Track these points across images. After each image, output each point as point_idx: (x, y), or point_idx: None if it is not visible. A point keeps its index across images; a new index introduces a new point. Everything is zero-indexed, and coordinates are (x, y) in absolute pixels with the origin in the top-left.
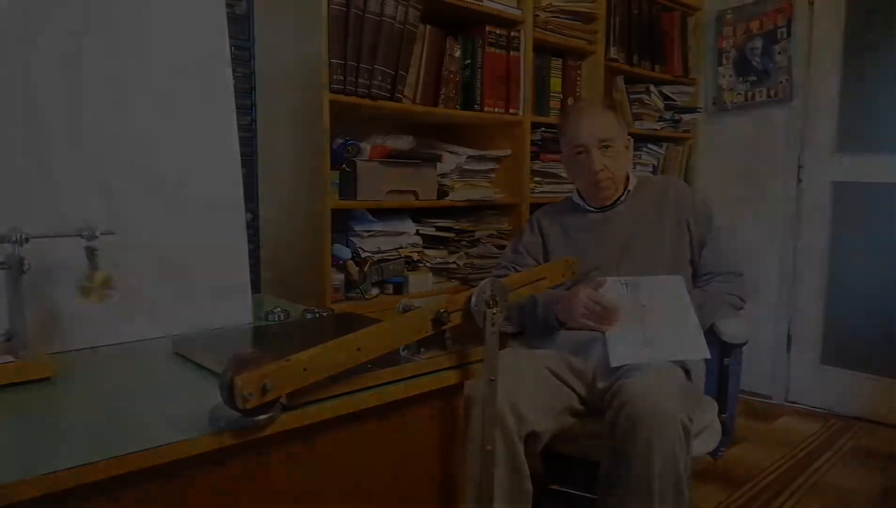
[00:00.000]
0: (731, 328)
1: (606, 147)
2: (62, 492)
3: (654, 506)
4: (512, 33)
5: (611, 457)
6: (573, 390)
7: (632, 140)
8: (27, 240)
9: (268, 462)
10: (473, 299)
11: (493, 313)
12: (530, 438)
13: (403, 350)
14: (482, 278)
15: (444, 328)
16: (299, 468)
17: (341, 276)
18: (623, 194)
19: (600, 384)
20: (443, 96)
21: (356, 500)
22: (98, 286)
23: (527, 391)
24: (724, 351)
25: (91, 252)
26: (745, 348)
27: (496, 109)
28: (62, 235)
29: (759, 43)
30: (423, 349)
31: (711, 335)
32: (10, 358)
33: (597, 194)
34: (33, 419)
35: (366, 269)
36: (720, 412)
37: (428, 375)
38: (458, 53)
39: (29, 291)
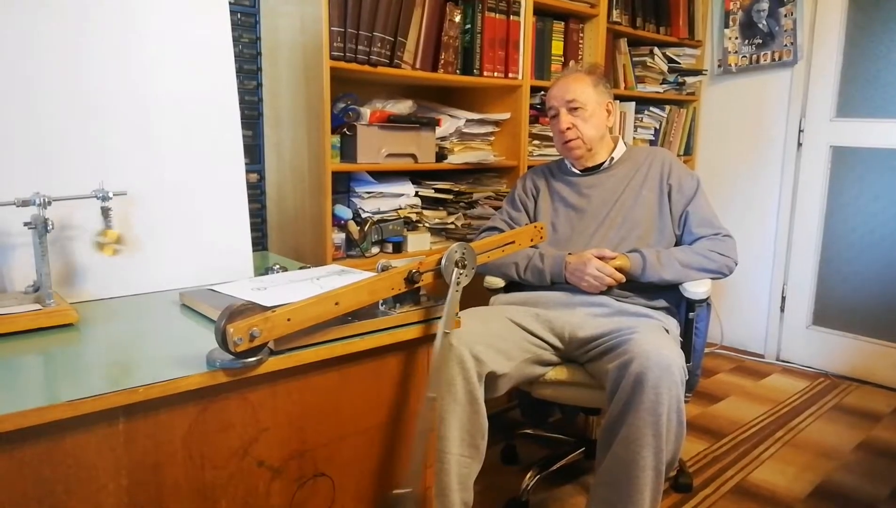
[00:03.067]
0: (692, 286)
1: (575, 108)
2: (82, 416)
3: (662, 433)
4: None
5: (612, 404)
6: (546, 342)
7: (616, 104)
8: (50, 203)
9: (258, 396)
10: (443, 261)
11: (461, 274)
12: (490, 378)
13: (382, 305)
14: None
15: (415, 286)
16: (285, 402)
17: (342, 235)
18: (607, 162)
19: (582, 334)
20: (442, 61)
21: (333, 428)
22: (111, 242)
23: (487, 338)
24: (689, 307)
25: (105, 212)
26: (740, 307)
27: (495, 74)
28: (80, 197)
29: (765, 5)
30: (398, 305)
31: (677, 291)
32: (38, 306)
33: (569, 155)
34: (60, 358)
35: (366, 229)
36: (686, 361)
37: (400, 327)
38: (457, 19)
39: (52, 248)
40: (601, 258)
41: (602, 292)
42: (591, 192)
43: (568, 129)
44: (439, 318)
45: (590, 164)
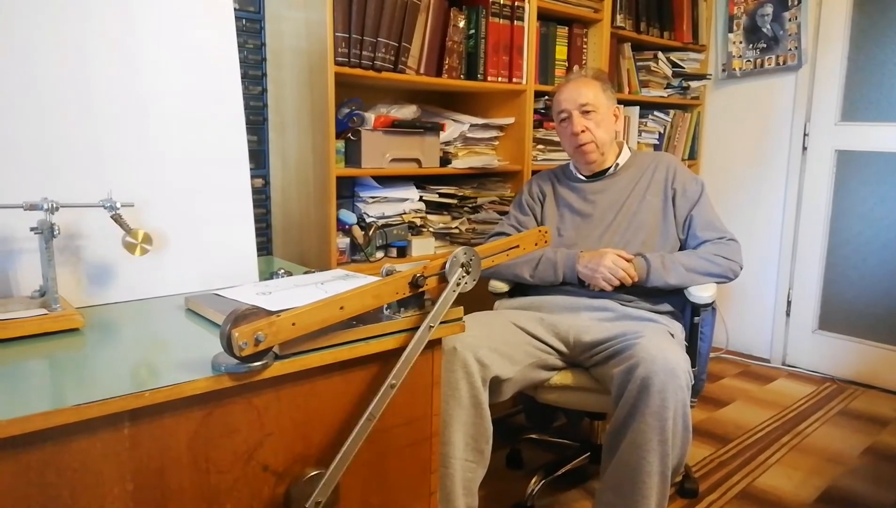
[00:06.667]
0: (697, 290)
1: (587, 112)
2: (87, 421)
3: (668, 438)
4: (516, 3)
5: (617, 408)
6: (551, 346)
7: (622, 109)
8: (57, 209)
9: (262, 401)
10: (448, 265)
11: (463, 277)
12: (494, 383)
13: (386, 310)
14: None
15: (420, 290)
16: (290, 406)
17: (347, 240)
18: (612, 167)
19: (587, 338)
20: (446, 67)
21: (338, 433)
22: (140, 242)
23: (491, 343)
24: (694, 311)
25: (119, 218)
26: (745, 312)
27: (499, 79)
28: (87, 205)
29: (769, 9)
30: (402, 309)
31: (682, 296)
32: (44, 311)
33: (582, 159)
34: (65, 362)
35: (370, 233)
36: (691, 366)
37: (405, 332)
38: (461, 24)
39: (58, 253)
40: None
41: (607, 296)
42: (597, 197)
43: (582, 131)
44: (446, 323)
45: (597, 169)
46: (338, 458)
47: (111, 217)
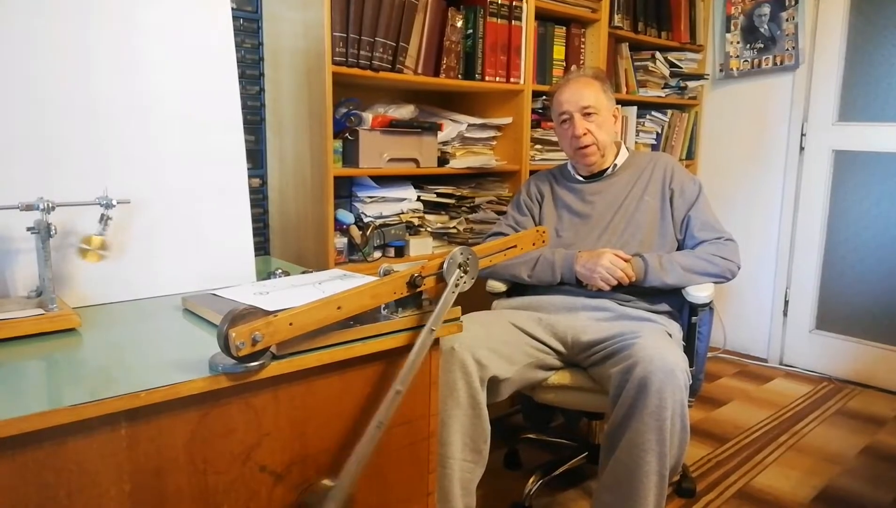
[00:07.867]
0: (695, 290)
1: (589, 114)
2: (84, 421)
3: (666, 438)
4: (514, 3)
5: (615, 408)
6: (549, 346)
7: (620, 109)
8: (53, 208)
9: (260, 401)
10: (445, 265)
11: (462, 278)
12: (492, 383)
13: (384, 309)
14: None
15: (418, 290)
16: (287, 406)
17: (344, 240)
18: (610, 168)
19: (585, 338)
20: (444, 66)
21: (336, 434)
22: (94, 248)
23: (489, 343)
24: (692, 311)
25: (103, 218)
26: (743, 311)
27: (497, 79)
28: (83, 203)
29: (767, 9)
30: (400, 309)
31: (680, 296)
32: (40, 311)
33: (583, 161)
34: (62, 363)
35: (368, 233)
36: (689, 366)
37: (403, 331)
38: (459, 24)
39: (55, 253)
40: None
41: (605, 296)
42: (595, 198)
43: (584, 134)
44: (444, 322)
45: (596, 170)
46: (349, 469)
47: (100, 215)
